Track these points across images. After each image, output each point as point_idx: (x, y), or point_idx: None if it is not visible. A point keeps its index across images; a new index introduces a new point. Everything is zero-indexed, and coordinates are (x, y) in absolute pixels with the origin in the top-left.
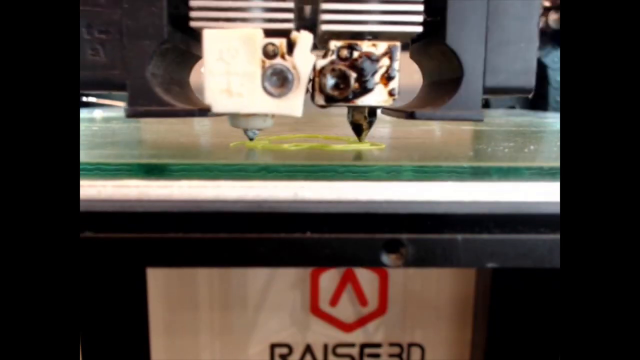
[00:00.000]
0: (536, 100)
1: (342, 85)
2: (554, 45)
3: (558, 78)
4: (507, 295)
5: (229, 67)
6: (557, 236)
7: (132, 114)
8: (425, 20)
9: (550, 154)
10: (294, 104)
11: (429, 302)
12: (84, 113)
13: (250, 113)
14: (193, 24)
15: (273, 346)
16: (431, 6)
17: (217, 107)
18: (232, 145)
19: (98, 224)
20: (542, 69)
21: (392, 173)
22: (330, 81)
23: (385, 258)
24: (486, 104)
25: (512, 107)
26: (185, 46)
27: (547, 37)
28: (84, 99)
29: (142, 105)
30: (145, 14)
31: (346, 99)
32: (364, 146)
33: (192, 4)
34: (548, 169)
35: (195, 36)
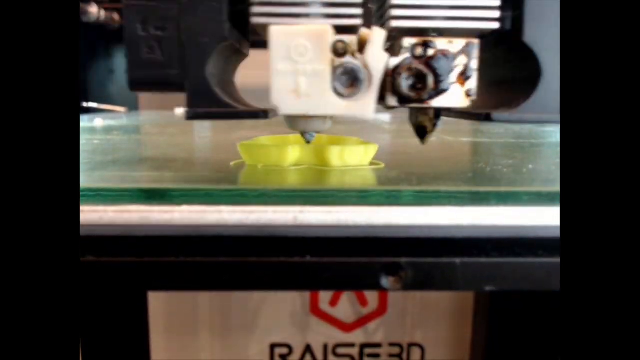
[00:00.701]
0: None
1: (419, 85)
2: None
3: None
4: (507, 295)
5: (297, 66)
6: (555, 259)
7: (192, 116)
8: (501, 16)
9: (549, 175)
10: (366, 104)
11: (429, 302)
12: (84, 121)
13: (319, 115)
14: (254, 19)
15: (273, 346)
16: (506, 1)
17: (284, 109)
18: (232, 164)
19: (100, 248)
20: None
21: (391, 197)
22: (406, 81)
23: (385, 281)
24: None
25: None
26: (238, 44)
27: None
28: (84, 104)
29: (203, 107)
30: (205, 9)
31: (421, 101)
32: (363, 165)
33: None
34: (546, 194)
35: (245, 33)
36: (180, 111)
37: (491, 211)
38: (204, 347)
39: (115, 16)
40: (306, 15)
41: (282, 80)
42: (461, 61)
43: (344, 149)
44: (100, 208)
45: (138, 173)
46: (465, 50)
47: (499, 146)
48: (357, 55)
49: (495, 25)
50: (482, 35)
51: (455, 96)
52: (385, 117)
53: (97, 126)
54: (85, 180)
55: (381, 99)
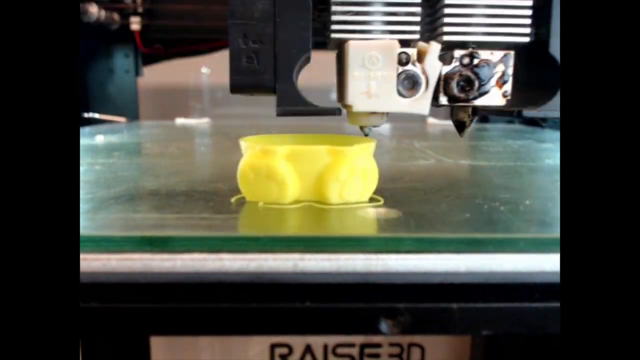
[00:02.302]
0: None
1: (467, 87)
2: None
3: None
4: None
5: (369, 73)
6: (551, 304)
7: (282, 112)
8: (532, 31)
9: (544, 215)
10: (423, 104)
11: None
12: (85, 136)
13: (386, 112)
14: (334, 35)
15: (273, 346)
16: (537, 19)
17: (357, 107)
18: (233, 201)
19: (103, 295)
20: None
21: (390, 244)
22: (457, 85)
23: (384, 326)
24: (485, 118)
25: (511, 122)
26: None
27: None
28: (85, 114)
29: (290, 105)
30: (294, 26)
31: (467, 100)
32: (362, 202)
33: (334, 18)
34: (543, 240)
35: (316, 44)
36: (181, 121)
37: (488, 258)
38: (204, 347)
39: (115, 16)
40: (374, 32)
41: (357, 84)
42: (500, 68)
43: (344, 185)
44: (104, 256)
45: (140, 215)
46: (503, 60)
47: (497, 173)
48: (417, 64)
49: (527, 39)
50: (516, 47)
51: (494, 97)
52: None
53: (98, 143)
54: (89, 224)
55: (435, 99)
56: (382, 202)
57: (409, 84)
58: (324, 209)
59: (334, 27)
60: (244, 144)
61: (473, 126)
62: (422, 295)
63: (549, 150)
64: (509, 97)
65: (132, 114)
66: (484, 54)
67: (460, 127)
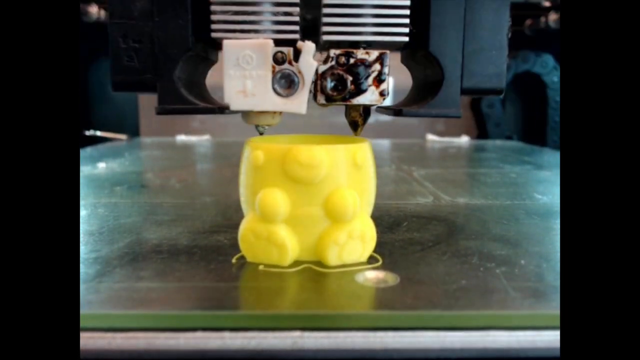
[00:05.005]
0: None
1: (340, 86)
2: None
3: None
4: None
5: (244, 72)
6: None
7: (161, 111)
8: (411, 31)
9: (541, 278)
10: (300, 102)
11: None
12: (87, 165)
13: (262, 111)
14: (214, 34)
15: None
16: (416, 19)
17: (234, 106)
18: (234, 261)
19: None
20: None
21: (389, 321)
22: (330, 83)
23: None
24: (485, 134)
25: (510, 137)
26: (204, 53)
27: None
28: (86, 132)
29: (170, 104)
30: (173, 26)
31: (343, 99)
32: (361, 263)
33: (213, 17)
34: (537, 316)
35: (212, 44)
36: (182, 138)
37: (482, 335)
38: None
39: None
40: (255, 31)
41: (233, 83)
42: (376, 68)
43: (343, 248)
44: (109, 335)
45: (143, 283)
46: (380, 59)
47: (494, 217)
48: (293, 63)
49: (406, 38)
50: (397, 47)
51: (372, 95)
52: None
53: (100, 172)
54: (94, 298)
55: (314, 98)
56: (380, 263)
57: (286, 82)
58: (323, 273)
59: (213, 26)
60: (248, 149)
61: (472, 145)
62: None
63: (546, 183)
64: (386, 96)
65: (133, 133)
66: (360, 54)
67: (354, 125)
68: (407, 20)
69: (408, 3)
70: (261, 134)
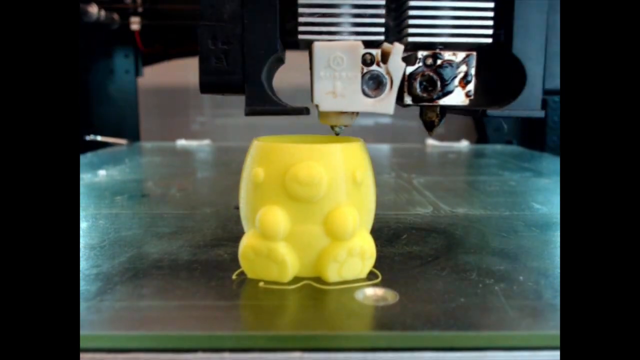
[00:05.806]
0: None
1: (430, 87)
2: None
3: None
4: None
5: (335, 73)
6: None
7: (250, 112)
8: (494, 32)
9: (539, 296)
10: (387, 103)
11: None
12: (88, 173)
13: (351, 111)
14: (301, 36)
15: None
16: (499, 21)
17: (324, 107)
18: (234, 277)
19: None
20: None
21: (388, 341)
22: (419, 85)
23: None
24: (484, 139)
25: (509, 142)
26: (282, 54)
27: None
28: (87, 137)
29: (258, 105)
30: (262, 28)
31: (431, 100)
32: (360, 280)
33: (301, 20)
34: (535, 336)
35: (285, 46)
36: (182, 143)
37: (482, 356)
38: None
39: (115, 16)
40: (341, 33)
41: (323, 84)
42: (462, 69)
43: (342, 265)
44: (110, 356)
45: (144, 302)
46: (466, 60)
47: (493, 229)
48: (381, 64)
49: (489, 40)
50: (479, 48)
51: (458, 96)
52: (385, 149)
53: (101, 180)
54: (96, 317)
55: (400, 99)
56: (379, 279)
57: (374, 84)
58: (323, 290)
59: (301, 28)
60: (256, 146)
61: (471, 150)
62: None
63: (545, 192)
64: (472, 97)
65: (134, 137)
66: (446, 55)
67: (430, 126)
68: (491, 22)
69: (492, 5)
70: (337, 134)
